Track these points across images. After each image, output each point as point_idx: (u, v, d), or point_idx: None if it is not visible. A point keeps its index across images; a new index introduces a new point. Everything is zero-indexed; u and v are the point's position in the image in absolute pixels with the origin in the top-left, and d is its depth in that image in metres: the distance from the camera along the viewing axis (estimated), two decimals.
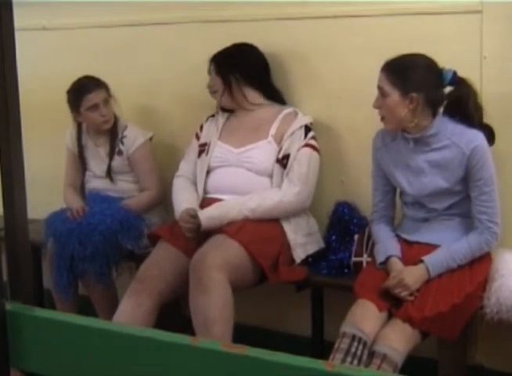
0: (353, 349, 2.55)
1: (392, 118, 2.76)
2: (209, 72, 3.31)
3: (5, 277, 1.64)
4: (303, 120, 3.20)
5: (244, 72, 3.25)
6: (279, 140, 3.19)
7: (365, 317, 2.62)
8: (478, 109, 2.78)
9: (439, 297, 2.64)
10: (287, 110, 3.25)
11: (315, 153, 3.18)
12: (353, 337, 2.57)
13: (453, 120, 2.76)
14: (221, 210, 3.09)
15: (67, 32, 3.97)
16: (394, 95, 2.71)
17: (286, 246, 3.12)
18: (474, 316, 2.76)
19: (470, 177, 2.71)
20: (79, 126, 3.66)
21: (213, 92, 3.32)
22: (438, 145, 2.75)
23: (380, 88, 2.74)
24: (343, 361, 2.52)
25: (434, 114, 2.75)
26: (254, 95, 3.28)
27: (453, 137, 2.72)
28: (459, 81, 2.75)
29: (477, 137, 2.71)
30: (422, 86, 2.70)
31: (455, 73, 2.74)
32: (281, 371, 1.33)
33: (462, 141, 2.70)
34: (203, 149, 3.31)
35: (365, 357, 2.55)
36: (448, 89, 2.77)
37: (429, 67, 2.73)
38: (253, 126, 3.27)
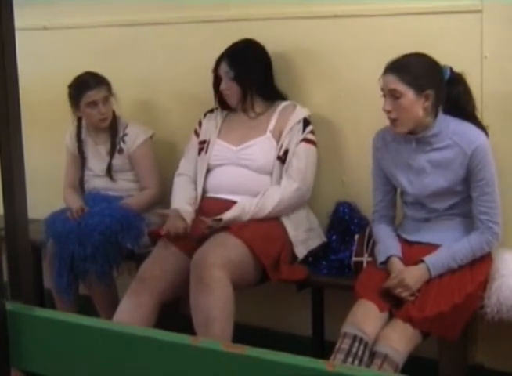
0: (354, 350, 2.55)
1: (407, 119, 2.70)
2: (216, 69, 3.25)
3: (5, 277, 1.64)
4: (301, 113, 3.19)
5: (260, 84, 3.24)
6: (277, 136, 3.18)
7: (366, 318, 2.61)
8: (474, 105, 2.78)
9: (440, 297, 2.64)
10: (285, 104, 3.24)
11: (312, 148, 3.18)
12: (354, 337, 2.56)
13: (452, 118, 2.74)
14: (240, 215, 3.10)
15: (68, 32, 3.97)
16: (409, 95, 2.66)
17: (287, 243, 3.12)
18: (475, 315, 2.76)
19: (472, 177, 2.70)
20: (79, 121, 3.67)
21: (226, 94, 3.27)
22: (439, 145, 2.74)
23: (391, 90, 2.68)
24: (344, 361, 2.52)
25: (437, 113, 2.75)
26: (260, 105, 3.27)
27: (455, 137, 2.72)
28: (456, 77, 2.75)
29: (479, 137, 2.70)
30: (434, 83, 2.68)
31: (451, 69, 2.74)
32: (281, 371, 1.33)
33: (463, 141, 2.69)
34: (202, 147, 3.31)
35: (366, 357, 2.55)
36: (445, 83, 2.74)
37: (434, 65, 2.72)
38: (251, 122, 3.26)
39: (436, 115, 2.74)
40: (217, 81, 3.28)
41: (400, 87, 2.66)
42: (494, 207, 2.71)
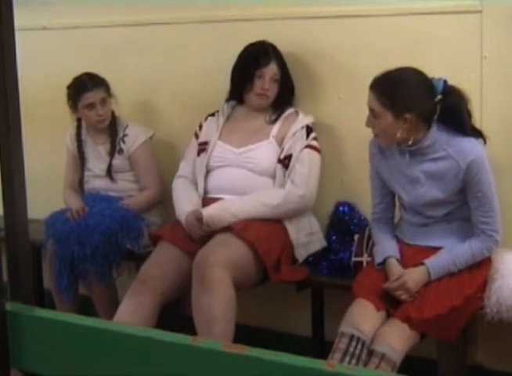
0: (351, 349, 2.55)
1: (387, 137, 2.73)
2: (255, 67, 3.20)
3: (5, 277, 1.64)
4: (304, 120, 3.21)
5: (293, 89, 3.30)
6: (280, 141, 3.19)
7: (363, 317, 2.62)
8: (469, 115, 2.74)
9: (438, 299, 2.63)
10: (289, 111, 3.25)
11: (316, 154, 3.18)
12: (351, 336, 2.57)
13: (446, 128, 2.71)
14: (222, 207, 3.10)
15: (68, 32, 3.97)
16: (387, 117, 2.65)
17: (288, 245, 3.12)
18: (474, 316, 2.76)
19: (469, 189, 2.68)
20: (79, 121, 3.67)
21: (265, 95, 3.23)
22: (434, 155, 2.72)
23: (371, 109, 2.69)
24: (341, 361, 2.52)
25: (429, 126, 2.71)
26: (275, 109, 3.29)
27: (449, 149, 2.68)
28: (450, 90, 2.69)
29: (474, 149, 2.66)
30: (414, 105, 2.64)
31: (445, 82, 2.68)
32: (281, 371, 1.33)
33: (458, 154, 2.66)
34: (203, 148, 3.31)
35: (364, 356, 2.55)
36: (438, 97, 2.68)
37: (419, 83, 2.67)
38: (254, 127, 3.27)
39: (429, 127, 2.71)
40: (247, 78, 3.21)
41: (378, 109, 2.66)
42: (493, 215, 2.70)
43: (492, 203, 2.69)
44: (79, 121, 3.67)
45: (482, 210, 2.69)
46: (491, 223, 2.70)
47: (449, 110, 2.69)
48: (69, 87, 3.56)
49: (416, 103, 2.65)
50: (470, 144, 2.68)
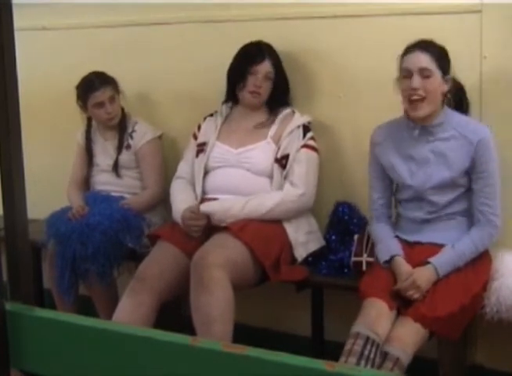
0: (366, 352, 2.51)
1: (433, 99, 2.71)
2: (249, 65, 3.21)
3: (5, 277, 1.64)
4: (300, 119, 3.21)
5: (287, 88, 3.29)
6: (277, 141, 3.19)
7: (379, 318, 2.59)
8: (467, 106, 2.84)
9: (448, 297, 2.63)
10: (286, 111, 3.25)
11: (314, 154, 3.18)
12: (367, 339, 2.54)
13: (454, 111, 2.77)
14: (222, 207, 3.10)
15: (67, 32, 3.98)
16: (438, 76, 2.70)
17: (287, 245, 3.12)
18: (475, 315, 2.76)
19: (475, 169, 2.71)
20: (89, 120, 3.70)
21: (257, 93, 3.23)
22: (443, 135, 2.75)
23: (423, 68, 2.68)
24: (357, 365, 2.48)
25: (443, 103, 2.76)
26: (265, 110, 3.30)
27: (459, 128, 2.73)
28: (453, 78, 2.78)
29: (484, 129, 2.74)
30: (449, 71, 2.73)
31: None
32: (281, 371, 1.33)
33: (468, 132, 2.71)
34: (201, 148, 3.31)
35: (377, 359, 2.53)
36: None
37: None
38: (252, 127, 3.27)
39: (442, 105, 2.76)
40: (240, 77, 3.23)
41: (432, 66, 2.70)
42: (495, 199, 2.73)
43: (495, 185, 2.72)
44: (89, 119, 3.70)
45: (486, 191, 2.72)
46: (492, 206, 2.72)
47: (455, 96, 2.77)
48: (77, 87, 3.58)
49: (449, 68, 2.73)
50: (479, 125, 2.77)
